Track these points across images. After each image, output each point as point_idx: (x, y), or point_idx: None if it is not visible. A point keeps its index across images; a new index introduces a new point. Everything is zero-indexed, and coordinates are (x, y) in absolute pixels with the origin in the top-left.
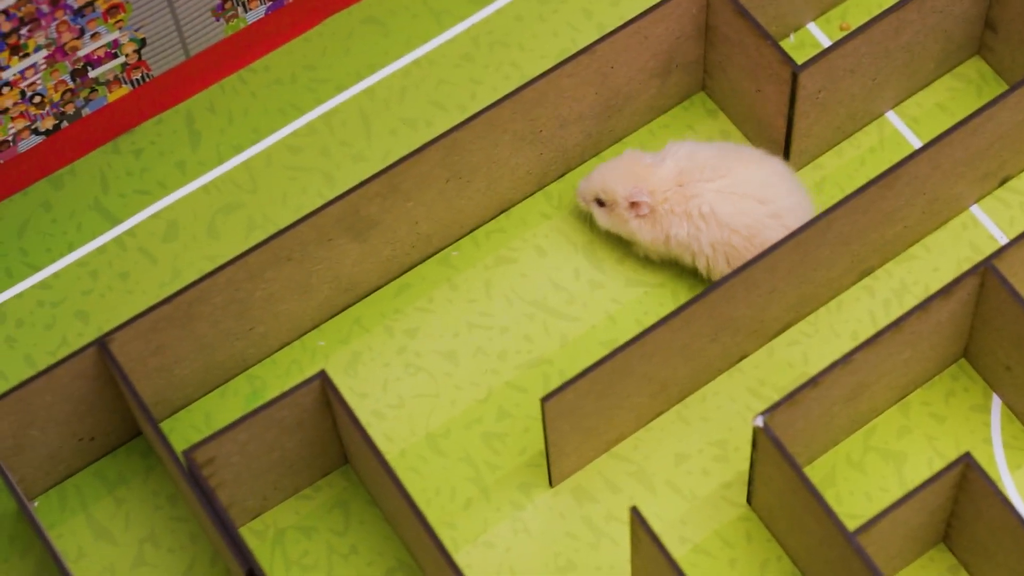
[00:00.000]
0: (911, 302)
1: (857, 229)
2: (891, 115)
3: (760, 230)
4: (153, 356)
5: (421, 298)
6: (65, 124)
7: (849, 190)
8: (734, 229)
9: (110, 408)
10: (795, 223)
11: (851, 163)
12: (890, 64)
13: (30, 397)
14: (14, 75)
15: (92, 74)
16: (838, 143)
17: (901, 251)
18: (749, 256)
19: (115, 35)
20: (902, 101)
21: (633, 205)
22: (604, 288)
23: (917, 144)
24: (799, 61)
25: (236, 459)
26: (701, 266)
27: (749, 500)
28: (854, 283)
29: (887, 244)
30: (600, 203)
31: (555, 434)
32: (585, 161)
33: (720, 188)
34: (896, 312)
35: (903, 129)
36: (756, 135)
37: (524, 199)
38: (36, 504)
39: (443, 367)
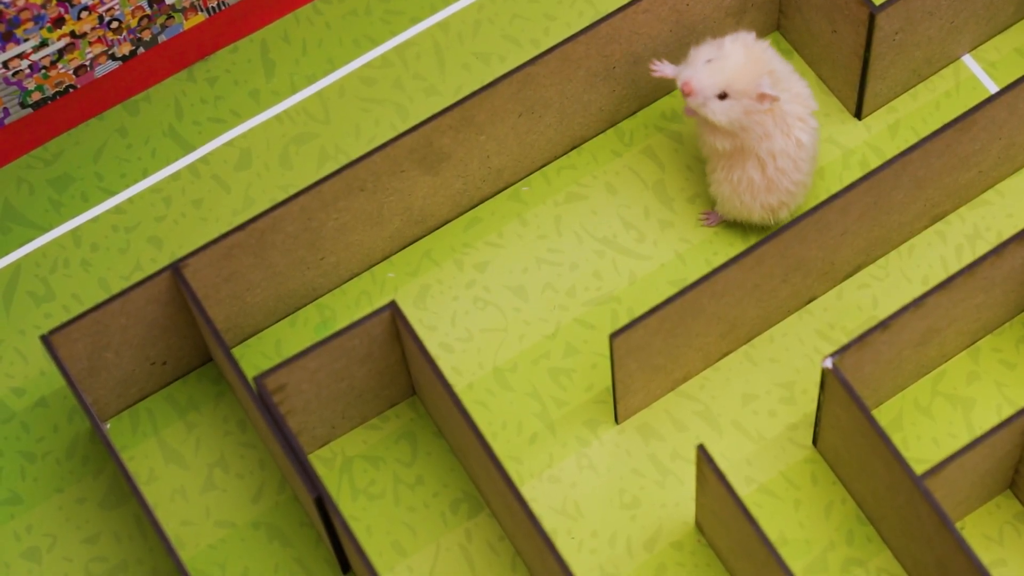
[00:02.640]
0: (983, 248)
1: (931, 173)
2: (968, 59)
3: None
4: (225, 283)
5: (491, 232)
6: (141, 50)
7: (923, 134)
8: (795, 180)
9: (182, 333)
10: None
11: (926, 107)
12: (969, 7)
13: (105, 319)
14: (93, 0)
15: (169, 1)
16: (913, 86)
17: (974, 196)
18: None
19: None
20: (980, 45)
21: (762, 97)
22: (674, 227)
23: (993, 89)
24: (877, 2)
25: (306, 387)
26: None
27: (815, 442)
28: (926, 227)
29: (961, 189)
30: (722, 96)
31: (622, 371)
32: (658, 99)
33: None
34: (968, 258)
35: (979, 73)
36: (831, 76)
37: (596, 136)
38: (109, 426)
39: (512, 302)
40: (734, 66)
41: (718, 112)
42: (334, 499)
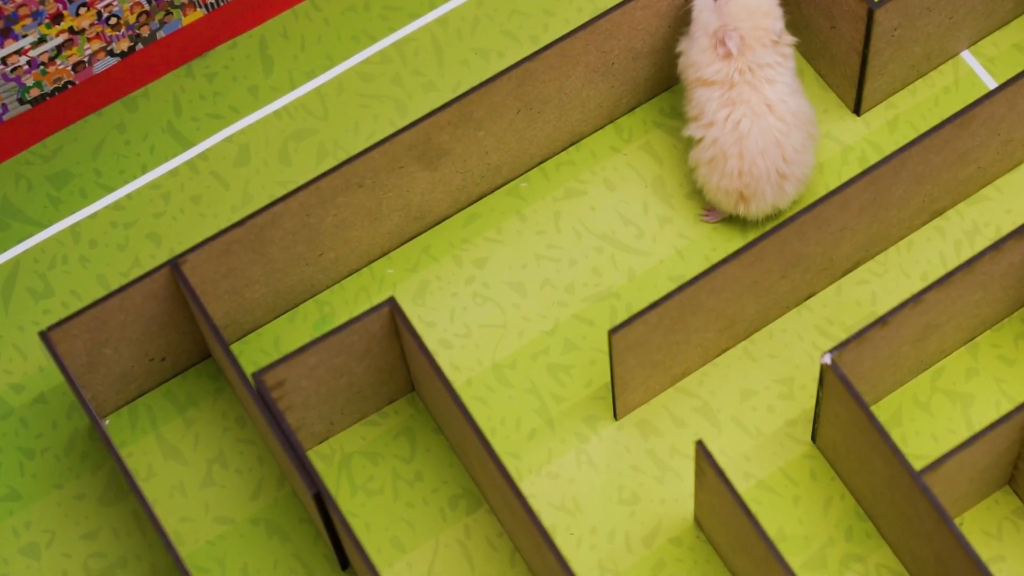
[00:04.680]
0: (982, 244)
1: (930, 169)
2: (967, 55)
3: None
4: (224, 279)
5: (490, 228)
6: (140, 46)
7: (922, 130)
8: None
9: (181, 329)
10: None
11: (925, 102)
12: (968, 2)
13: (104, 316)
14: None
15: None
16: (912, 82)
17: (973, 192)
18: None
19: None
20: (978, 40)
21: (776, 43)
22: (673, 223)
23: (992, 84)
24: None
25: (305, 383)
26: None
27: (814, 438)
28: (925, 223)
29: (960, 185)
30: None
31: (621, 367)
32: (657, 95)
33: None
34: (967, 254)
35: (978, 69)
36: (829, 72)
37: (594, 132)
38: (107, 422)
39: (511, 298)
40: (754, 9)
41: (733, 49)
42: (333, 495)
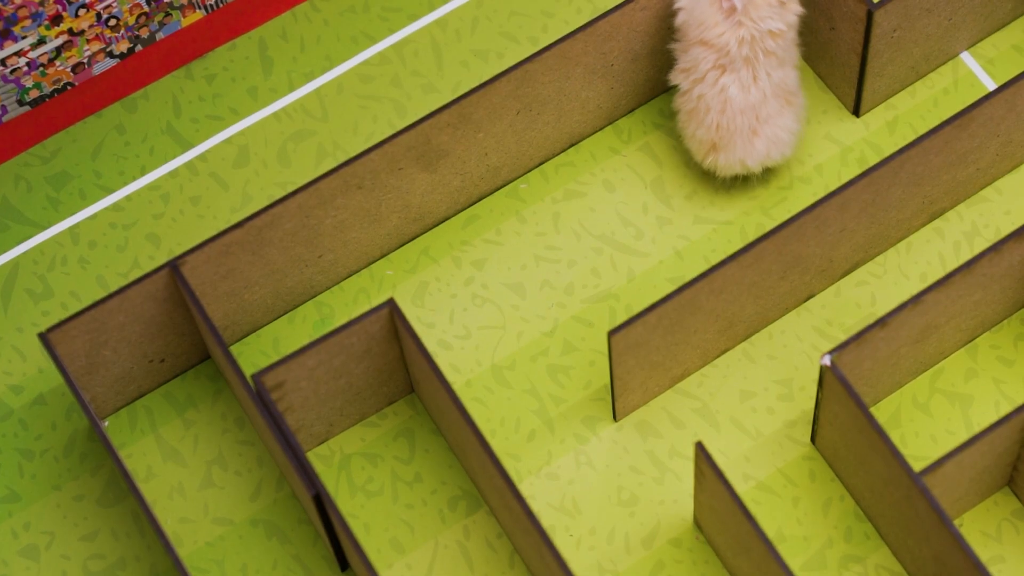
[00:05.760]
0: (982, 245)
1: (929, 170)
2: (966, 56)
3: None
4: (223, 280)
5: (489, 230)
6: (139, 48)
7: (921, 131)
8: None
9: (180, 331)
10: None
11: (924, 104)
12: (967, 4)
13: (103, 317)
14: None
15: None
16: (911, 83)
17: (973, 193)
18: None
19: None
20: (978, 42)
21: (782, 3)
22: (672, 224)
23: (992, 86)
24: None
25: (304, 384)
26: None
27: (813, 439)
28: (924, 224)
29: (959, 186)
30: None
31: (621, 368)
32: (656, 96)
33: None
34: (966, 255)
35: (978, 70)
36: (829, 73)
37: (594, 133)
38: (107, 423)
39: (510, 299)
40: None
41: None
42: (332, 496)
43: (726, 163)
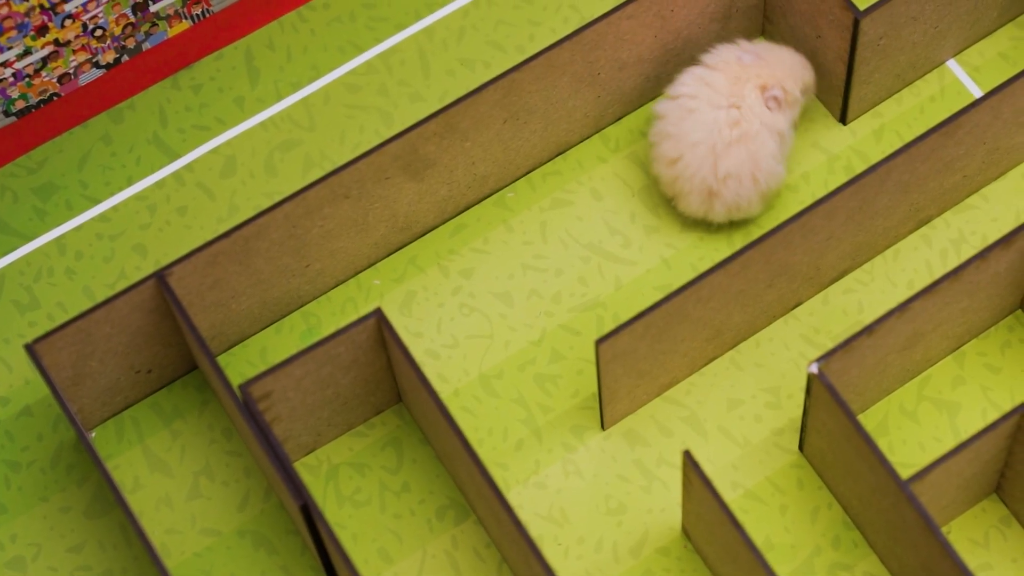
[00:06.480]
0: (968, 252)
1: (916, 178)
2: (952, 63)
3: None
4: (210, 290)
5: (477, 239)
6: (125, 58)
7: (908, 138)
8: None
9: (167, 341)
10: None
11: (910, 111)
12: (953, 12)
13: (89, 328)
14: (76, 8)
15: (153, 8)
16: (898, 91)
17: (959, 200)
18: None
19: None
20: (964, 50)
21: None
22: (659, 232)
23: (978, 93)
24: (861, 7)
25: (291, 394)
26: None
27: (801, 447)
28: (911, 232)
29: (945, 193)
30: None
31: (608, 377)
32: (643, 104)
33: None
34: (953, 262)
35: (964, 78)
36: (816, 81)
37: (581, 142)
38: (94, 435)
39: (497, 308)
40: (796, 66)
41: (779, 113)
42: (320, 507)
43: (686, 208)
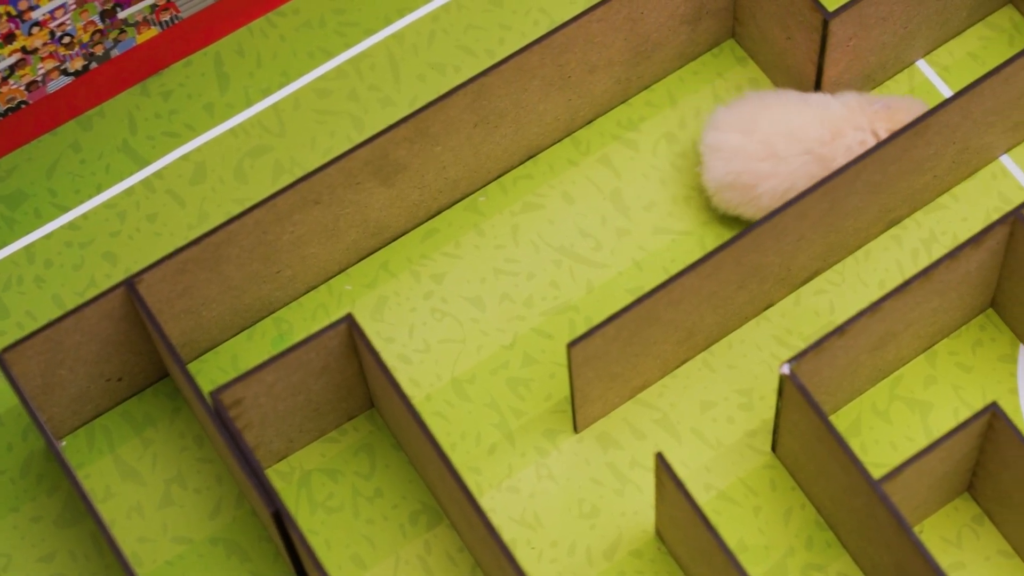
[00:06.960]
0: (939, 252)
1: (886, 178)
2: (922, 64)
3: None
4: (180, 298)
5: (448, 243)
6: (94, 65)
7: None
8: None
9: (137, 349)
10: None
11: None
12: (922, 12)
13: (59, 337)
14: (44, 15)
15: (121, 15)
16: (868, 91)
17: (930, 200)
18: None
19: None
20: (933, 50)
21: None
22: (631, 235)
23: (948, 93)
24: (830, 8)
25: (263, 401)
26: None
27: (774, 448)
28: (882, 232)
29: (916, 193)
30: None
31: (580, 380)
32: (613, 107)
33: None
34: (924, 262)
35: (933, 78)
36: (785, 83)
37: (552, 145)
38: (64, 443)
39: (469, 313)
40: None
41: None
42: (292, 513)
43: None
